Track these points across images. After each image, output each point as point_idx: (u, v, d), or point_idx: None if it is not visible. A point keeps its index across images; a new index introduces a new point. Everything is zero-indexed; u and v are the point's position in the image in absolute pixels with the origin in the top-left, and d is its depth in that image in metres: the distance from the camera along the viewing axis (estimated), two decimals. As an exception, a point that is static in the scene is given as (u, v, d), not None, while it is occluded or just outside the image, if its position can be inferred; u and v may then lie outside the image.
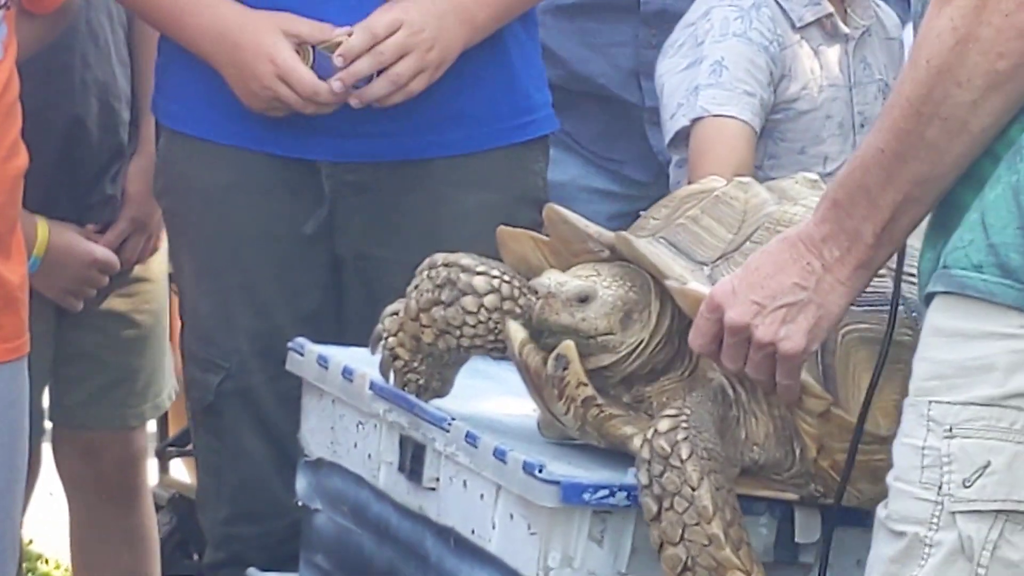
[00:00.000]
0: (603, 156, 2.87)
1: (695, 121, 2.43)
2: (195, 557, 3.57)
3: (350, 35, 2.12)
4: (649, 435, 1.58)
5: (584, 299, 1.59)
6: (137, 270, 2.70)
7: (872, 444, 1.54)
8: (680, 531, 1.59)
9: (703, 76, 2.49)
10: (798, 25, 2.51)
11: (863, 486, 1.56)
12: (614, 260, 1.67)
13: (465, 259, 1.74)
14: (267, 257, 2.20)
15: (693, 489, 1.59)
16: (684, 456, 1.59)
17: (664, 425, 1.58)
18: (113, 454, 2.76)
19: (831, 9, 2.50)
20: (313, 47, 2.17)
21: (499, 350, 1.72)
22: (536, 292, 1.61)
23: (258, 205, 2.19)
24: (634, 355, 1.66)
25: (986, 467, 1.34)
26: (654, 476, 1.58)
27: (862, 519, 1.53)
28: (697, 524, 1.59)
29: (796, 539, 1.66)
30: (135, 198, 2.69)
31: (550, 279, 1.63)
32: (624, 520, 1.60)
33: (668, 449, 1.56)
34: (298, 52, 2.14)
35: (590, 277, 1.64)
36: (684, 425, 1.57)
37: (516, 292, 1.71)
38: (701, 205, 1.68)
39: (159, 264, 2.78)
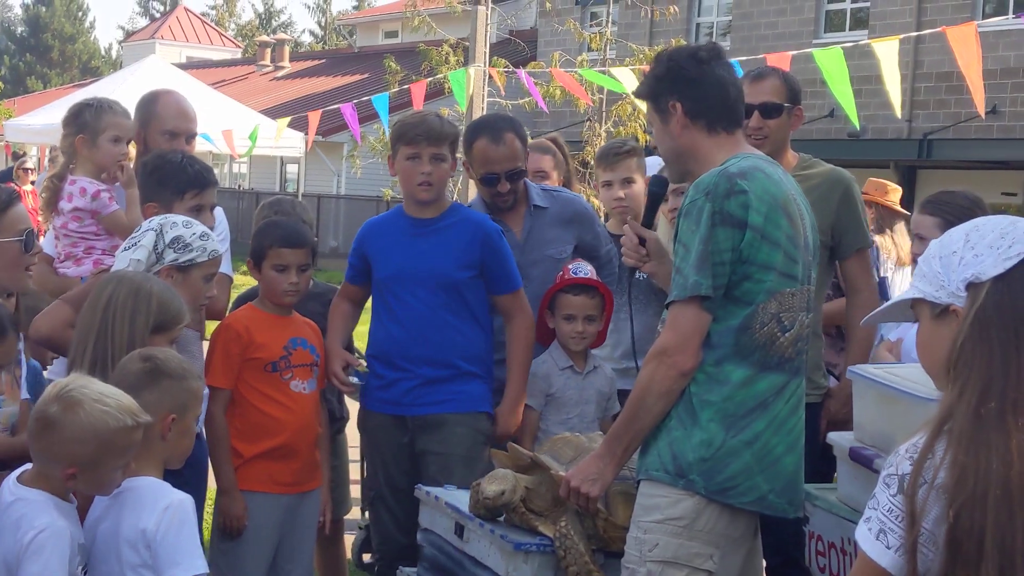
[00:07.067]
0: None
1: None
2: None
3: None
4: (559, 527, 3.58)
5: (502, 492, 3.67)
6: None
7: (620, 532, 3.60)
8: (574, 562, 3.49)
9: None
10: (561, 367, 4.82)
11: (618, 547, 3.54)
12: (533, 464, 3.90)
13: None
14: None
15: (576, 545, 3.50)
16: (571, 533, 3.53)
17: (563, 523, 3.58)
18: None
19: (572, 362, 4.80)
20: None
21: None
22: (488, 498, 3.64)
23: None
24: (521, 498, 3.67)
25: (656, 545, 3.42)
26: (561, 542, 3.51)
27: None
28: (580, 557, 3.50)
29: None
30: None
31: (488, 489, 3.67)
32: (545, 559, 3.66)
33: (566, 531, 3.56)
34: None
35: (501, 482, 3.72)
36: (565, 522, 3.59)
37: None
38: (563, 442, 3.93)
39: None
